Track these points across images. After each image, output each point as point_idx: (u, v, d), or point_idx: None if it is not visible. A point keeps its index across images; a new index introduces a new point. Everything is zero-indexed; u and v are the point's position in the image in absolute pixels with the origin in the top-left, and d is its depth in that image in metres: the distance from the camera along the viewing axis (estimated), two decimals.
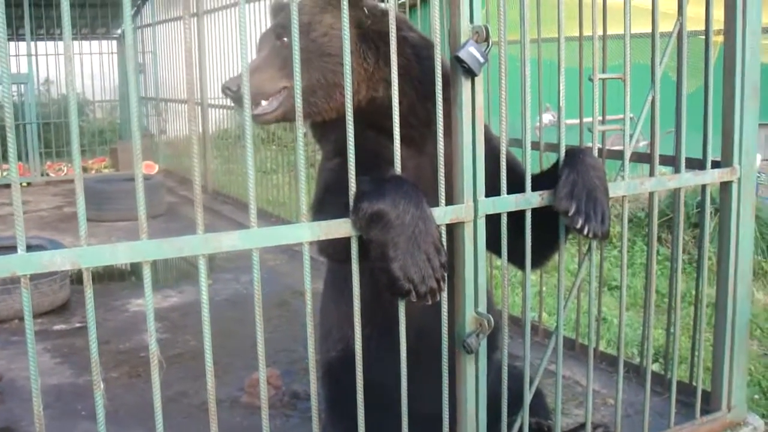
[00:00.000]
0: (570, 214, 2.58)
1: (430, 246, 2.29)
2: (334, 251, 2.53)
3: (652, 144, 3.19)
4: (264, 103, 2.76)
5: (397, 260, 2.26)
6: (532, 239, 2.70)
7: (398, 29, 2.64)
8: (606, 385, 4.10)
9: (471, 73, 2.41)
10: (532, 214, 2.67)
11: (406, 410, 2.47)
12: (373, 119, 2.78)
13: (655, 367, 4.52)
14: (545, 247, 2.87)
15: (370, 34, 2.80)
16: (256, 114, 2.74)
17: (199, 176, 2.07)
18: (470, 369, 2.59)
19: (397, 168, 2.37)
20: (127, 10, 1.95)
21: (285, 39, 2.79)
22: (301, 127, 2.24)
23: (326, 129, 2.92)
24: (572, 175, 2.62)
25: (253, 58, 2.87)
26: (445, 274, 2.34)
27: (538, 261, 2.94)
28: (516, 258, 2.75)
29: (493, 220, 2.60)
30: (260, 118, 2.78)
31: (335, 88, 2.74)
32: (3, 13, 1.77)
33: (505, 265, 2.67)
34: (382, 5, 2.90)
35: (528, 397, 2.80)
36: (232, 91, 2.71)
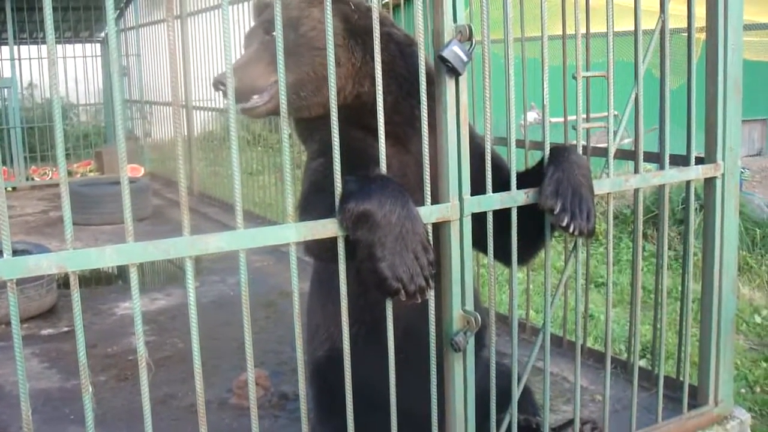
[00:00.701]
0: (555, 212, 2.59)
1: (417, 245, 2.30)
2: (319, 251, 2.53)
3: (636, 141, 3.20)
4: (255, 97, 2.75)
5: (385, 260, 2.27)
6: (519, 237, 2.70)
7: (382, 25, 2.64)
8: (594, 381, 4.12)
9: (455, 72, 2.41)
10: (518, 212, 2.68)
11: (395, 409, 2.47)
12: (359, 116, 2.78)
13: (642, 362, 4.55)
14: (531, 245, 2.88)
15: (357, 30, 2.79)
16: (247, 107, 2.72)
17: (184, 178, 2.07)
18: (458, 367, 2.59)
19: (383, 167, 2.37)
20: (110, 13, 1.94)
21: (274, 34, 2.79)
22: (286, 128, 2.24)
23: (311, 128, 2.91)
24: (557, 173, 2.63)
25: (241, 54, 2.86)
26: (433, 272, 2.34)
27: (525, 258, 2.95)
28: (503, 256, 2.76)
29: (479, 219, 2.61)
30: (251, 112, 2.76)
31: (324, 82, 2.71)
32: None
33: (492, 263, 2.68)
34: (367, 2, 2.90)
35: (516, 394, 2.81)
36: (224, 85, 2.70)
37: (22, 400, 1.90)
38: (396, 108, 2.77)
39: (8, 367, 4.67)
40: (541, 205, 2.63)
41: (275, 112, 2.75)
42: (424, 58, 2.44)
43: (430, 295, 2.41)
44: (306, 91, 2.76)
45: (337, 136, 2.26)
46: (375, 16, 2.36)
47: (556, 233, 2.84)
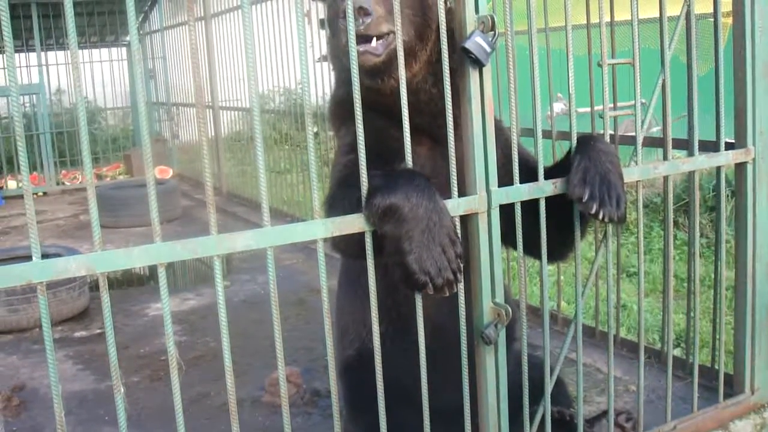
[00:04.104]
0: (584, 200, 2.56)
1: (444, 238, 2.28)
2: (347, 247, 2.52)
3: (664, 128, 3.17)
4: (374, 42, 2.54)
5: (413, 253, 2.26)
6: (553, 231, 2.68)
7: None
8: (627, 371, 4.09)
9: (478, 63, 2.40)
10: (551, 205, 2.65)
11: (428, 406, 2.46)
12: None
13: (676, 352, 4.50)
14: (566, 237, 2.84)
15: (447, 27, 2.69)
16: (365, 50, 2.52)
17: (210, 177, 2.07)
18: (490, 360, 2.58)
19: (408, 161, 2.36)
20: (132, 18, 1.95)
21: None
22: (311, 126, 2.24)
23: (348, 119, 2.84)
24: (584, 162, 2.61)
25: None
26: (461, 265, 2.33)
27: (561, 252, 2.91)
28: (535, 250, 2.73)
29: (509, 214, 2.59)
30: (366, 57, 2.54)
31: (414, 55, 2.64)
32: (8, 25, 1.77)
33: (521, 255, 2.67)
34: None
35: (549, 386, 2.79)
36: (366, 13, 2.48)
37: (55, 402, 1.91)
38: (443, 113, 2.68)
39: (43, 370, 4.72)
40: (570, 194, 2.61)
41: (382, 68, 2.59)
42: (447, 50, 2.41)
43: (459, 288, 2.40)
44: (407, 55, 2.58)
45: (362, 132, 2.25)
46: (397, 15, 2.33)
47: (590, 224, 2.81)
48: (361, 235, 2.31)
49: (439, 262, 2.27)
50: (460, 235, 2.38)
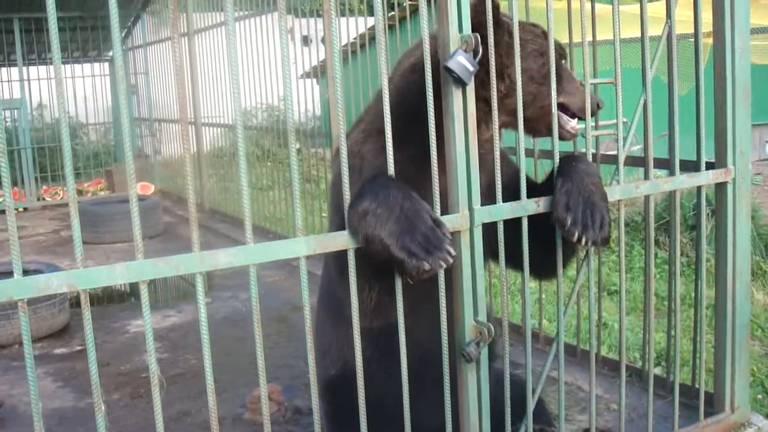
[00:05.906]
0: (566, 227, 2.57)
1: (425, 220, 2.28)
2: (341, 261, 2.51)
3: (645, 147, 3.19)
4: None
5: (396, 244, 2.24)
6: (536, 246, 2.69)
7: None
8: (609, 389, 4.09)
9: (461, 83, 2.41)
10: (539, 223, 2.66)
11: (410, 425, 2.46)
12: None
13: (657, 370, 4.52)
14: (549, 252, 2.83)
15: None
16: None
17: (193, 194, 2.07)
18: (471, 378, 2.58)
19: (390, 171, 2.36)
20: (116, 33, 1.95)
21: None
22: (294, 143, 2.24)
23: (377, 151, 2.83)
24: (566, 185, 2.62)
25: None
26: (450, 239, 2.31)
27: (551, 270, 2.91)
28: (520, 263, 2.73)
29: (496, 229, 2.60)
30: None
31: None
32: None
33: (503, 273, 2.67)
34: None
35: (531, 404, 2.79)
36: None
37: (35, 420, 1.89)
38: None
39: (22, 387, 4.68)
40: (552, 219, 2.62)
41: None
42: (430, 69, 2.42)
43: (442, 306, 2.40)
44: None
45: (346, 154, 2.26)
46: (378, 31, 2.35)
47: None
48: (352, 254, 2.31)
49: (423, 242, 2.25)
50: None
